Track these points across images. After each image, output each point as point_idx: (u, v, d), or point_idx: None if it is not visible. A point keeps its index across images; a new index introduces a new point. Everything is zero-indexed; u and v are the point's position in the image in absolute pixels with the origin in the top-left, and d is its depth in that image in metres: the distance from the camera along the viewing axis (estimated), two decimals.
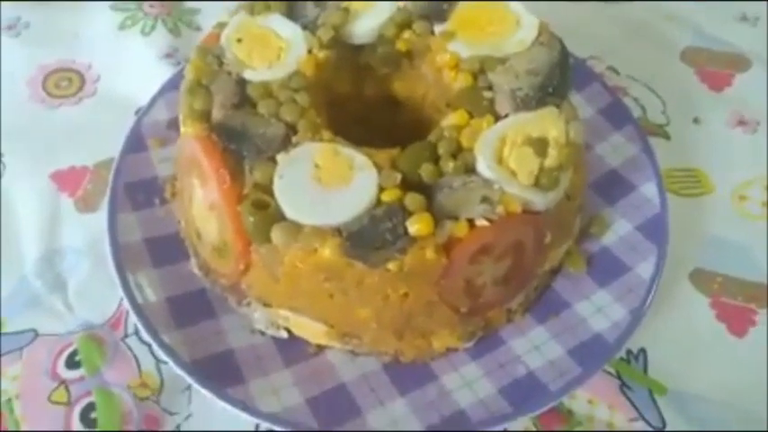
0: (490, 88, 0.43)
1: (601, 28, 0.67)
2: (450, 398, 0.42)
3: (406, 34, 0.47)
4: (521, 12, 0.47)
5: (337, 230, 0.38)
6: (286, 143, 0.41)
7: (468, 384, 0.42)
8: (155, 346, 0.43)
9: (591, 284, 0.46)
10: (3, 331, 0.48)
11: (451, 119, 0.42)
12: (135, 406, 0.44)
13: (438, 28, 0.47)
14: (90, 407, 0.44)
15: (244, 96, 0.43)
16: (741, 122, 0.59)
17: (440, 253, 0.37)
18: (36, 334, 0.48)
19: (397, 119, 0.51)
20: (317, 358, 0.44)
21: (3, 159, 0.57)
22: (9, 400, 0.44)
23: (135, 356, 0.46)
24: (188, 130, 0.42)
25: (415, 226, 0.37)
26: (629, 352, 0.46)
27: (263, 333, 0.44)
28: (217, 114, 0.42)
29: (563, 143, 0.41)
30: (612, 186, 0.51)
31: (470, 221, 0.38)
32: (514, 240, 0.40)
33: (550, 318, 0.45)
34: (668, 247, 0.47)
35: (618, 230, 0.49)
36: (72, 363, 0.46)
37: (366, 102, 0.51)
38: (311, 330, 0.43)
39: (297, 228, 0.38)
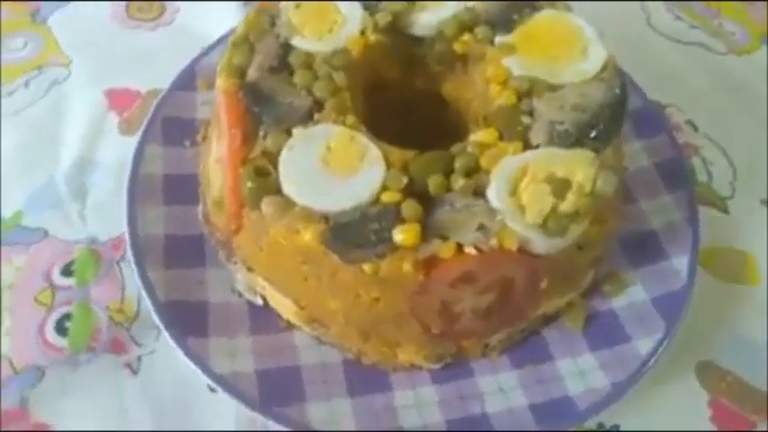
0: (531, 114, 0.41)
1: (695, 76, 0.62)
2: (396, 413, 0.40)
3: (466, 37, 0.45)
4: (592, 40, 0.44)
5: (326, 218, 0.37)
6: (307, 118, 0.41)
7: (418, 406, 0.41)
8: (136, 277, 0.44)
9: (582, 344, 0.44)
10: (19, 223, 0.51)
11: (479, 135, 0.40)
12: (107, 327, 0.46)
13: (500, 38, 0.45)
14: (67, 316, 0.46)
15: (284, 62, 0.43)
16: None
17: (418, 268, 0.36)
18: (46, 234, 0.50)
19: (440, 119, 0.50)
20: (282, 334, 0.43)
21: (71, 67, 0.60)
22: (3, 289, 0.47)
23: (123, 281, 0.47)
24: (220, 82, 0.42)
25: (401, 235, 0.36)
26: (600, 425, 0.43)
27: (240, 295, 0.44)
28: (252, 74, 0.42)
29: (586, 191, 0.38)
30: (643, 248, 0.48)
31: (460, 246, 0.36)
32: (503, 277, 0.38)
33: (527, 365, 0.43)
34: (679, 328, 0.44)
35: (632, 296, 0.46)
36: (67, 270, 0.48)
37: (413, 95, 0.49)
38: (284, 306, 0.43)
39: (288, 204, 0.37)
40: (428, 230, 0.37)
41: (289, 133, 0.40)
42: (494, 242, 0.36)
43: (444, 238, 0.36)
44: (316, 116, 0.41)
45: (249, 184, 0.38)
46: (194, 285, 0.44)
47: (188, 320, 0.43)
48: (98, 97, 0.57)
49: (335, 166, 0.38)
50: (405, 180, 0.38)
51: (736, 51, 0.64)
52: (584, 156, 0.39)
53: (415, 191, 0.38)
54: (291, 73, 0.43)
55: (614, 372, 0.42)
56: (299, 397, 0.41)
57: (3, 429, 0.41)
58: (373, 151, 0.39)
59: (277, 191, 0.38)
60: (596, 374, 0.42)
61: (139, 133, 0.50)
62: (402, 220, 0.37)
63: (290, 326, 0.44)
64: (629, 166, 0.51)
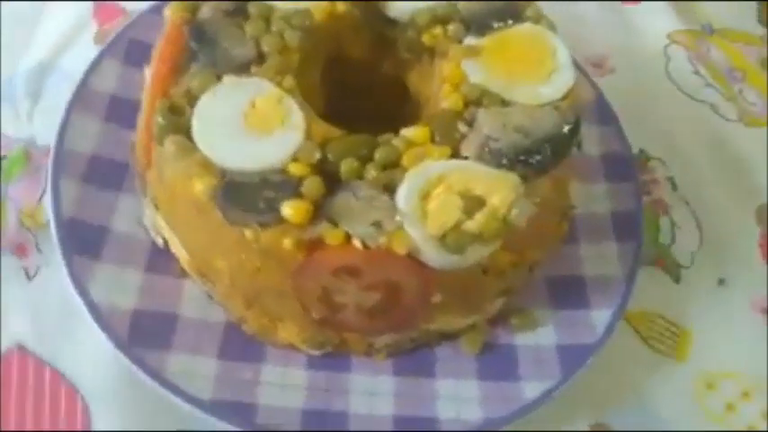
0: (471, 124, 0.39)
1: (694, 136, 0.59)
2: (256, 387, 0.39)
3: (437, 30, 0.43)
4: (563, 65, 0.42)
5: (224, 172, 0.36)
6: (243, 69, 0.39)
7: (282, 386, 0.40)
8: (48, 185, 0.43)
9: (470, 370, 0.42)
10: None
11: (411, 131, 0.38)
12: (14, 227, 0.46)
13: (470, 39, 0.42)
14: None
15: (243, 8, 0.41)
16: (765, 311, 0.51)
17: (299, 248, 0.34)
18: None
19: (402, 108, 0.48)
20: (174, 280, 0.42)
21: None
22: None
23: (43, 189, 0.47)
24: (171, 9, 0.41)
25: (289, 209, 0.34)
26: None
27: (146, 231, 0.44)
28: (205, 11, 0.41)
29: (497, 215, 0.36)
30: (568, 292, 0.45)
31: (349, 236, 0.35)
32: (388, 279, 0.36)
33: (407, 375, 0.41)
34: (582, 385, 0.42)
35: (539, 337, 0.43)
36: None
37: (378, 78, 0.47)
38: (179, 252, 0.42)
39: (190, 149, 0.36)
40: (322, 212, 0.35)
41: (219, 79, 0.38)
42: (382, 241, 0.34)
43: (336, 224, 0.35)
44: (253, 69, 0.39)
45: (160, 119, 0.37)
46: (103, 209, 0.44)
47: (83, 241, 0.42)
48: (85, 4, 0.57)
49: (253, 124, 0.37)
50: (317, 156, 0.37)
51: (747, 121, 0.60)
52: (508, 179, 0.37)
53: (326, 170, 0.37)
54: (246, 20, 0.41)
55: (491, 407, 0.40)
56: (165, 345, 0.40)
57: None
58: (296, 118, 0.38)
59: (186, 133, 0.37)
60: (472, 405, 0.40)
61: (99, 48, 0.49)
62: (299, 195, 0.35)
63: (184, 274, 0.43)
64: (583, 208, 0.49)
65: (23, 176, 0.48)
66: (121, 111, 0.47)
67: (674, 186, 0.56)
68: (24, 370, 0.41)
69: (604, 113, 0.53)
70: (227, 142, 0.36)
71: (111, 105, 0.47)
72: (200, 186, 0.35)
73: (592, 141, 0.52)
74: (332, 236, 0.34)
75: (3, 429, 0.40)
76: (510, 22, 0.43)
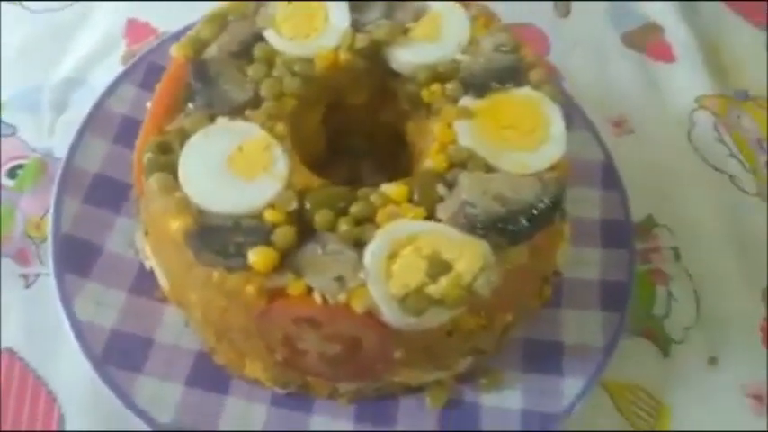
0: (451, 186, 0.39)
1: (706, 206, 0.57)
2: (218, 417, 0.41)
3: (436, 87, 0.43)
4: (555, 136, 0.41)
5: (200, 214, 0.37)
6: (238, 112, 0.41)
7: (243, 418, 0.41)
8: (52, 200, 0.46)
9: (431, 424, 0.42)
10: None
11: (389, 188, 0.39)
12: (20, 236, 0.48)
13: (467, 99, 0.43)
14: None
15: (248, 50, 0.43)
16: (755, 396, 0.49)
17: (261, 294, 0.35)
18: (14, 132, 0.53)
19: (400, 156, 0.48)
20: (155, 304, 0.44)
21: None
22: None
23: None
24: (177, 48, 0.42)
25: (255, 257, 0.35)
26: None
27: (136, 252, 0.46)
28: (210, 51, 0.43)
29: (461, 282, 0.36)
30: (541, 356, 0.45)
31: (310, 288, 0.36)
32: (348, 334, 0.37)
33: (367, 423, 0.42)
34: None
35: (505, 399, 0.43)
36: (13, 173, 0.51)
37: (375, 126, 0.48)
38: (161, 278, 0.43)
39: (172, 188, 0.37)
40: (288, 262, 0.36)
41: (212, 120, 0.40)
42: (341, 297, 0.35)
43: (300, 275, 0.36)
44: (247, 112, 0.41)
45: (148, 156, 0.38)
46: (99, 227, 0.46)
47: (76, 257, 0.44)
48: (119, 23, 0.60)
49: (237, 168, 0.38)
50: (294, 205, 0.37)
51: (766, 196, 0.59)
52: (478, 247, 0.37)
53: (301, 219, 0.38)
54: (250, 63, 0.43)
55: None
56: (137, 368, 0.41)
57: None
58: (279, 166, 0.39)
59: (173, 170, 0.38)
60: None
61: (121, 69, 0.52)
62: (269, 243, 0.36)
63: (165, 299, 0.44)
64: (573, 272, 0.49)
65: (37, 187, 0.50)
66: (131, 133, 0.49)
67: (677, 256, 0.54)
68: (10, 373, 0.44)
69: (610, 178, 0.53)
70: (209, 184, 0.38)
71: (121, 127, 0.50)
72: (176, 225, 0.36)
73: (593, 205, 0.52)
74: (294, 286, 0.35)
75: None
76: (510, 84, 0.43)
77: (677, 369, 0.50)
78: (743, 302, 0.53)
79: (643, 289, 0.52)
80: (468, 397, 0.43)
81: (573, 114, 0.55)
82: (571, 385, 0.44)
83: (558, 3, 0.68)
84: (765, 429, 0.48)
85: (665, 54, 0.66)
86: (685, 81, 0.64)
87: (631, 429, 0.47)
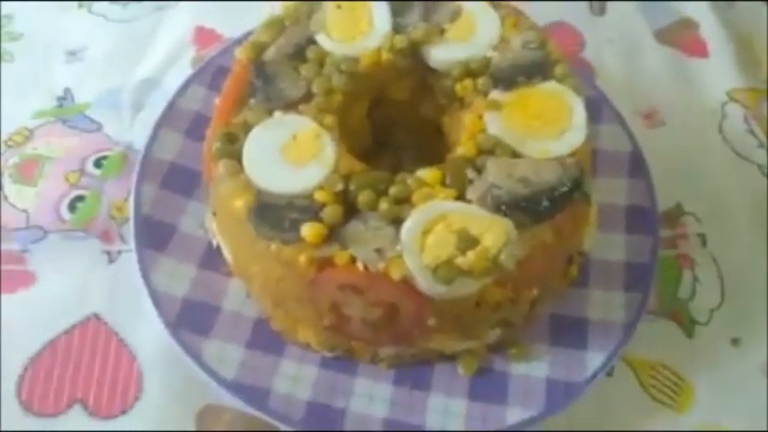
0: (480, 171, 0.44)
1: (735, 195, 0.60)
2: (272, 377, 0.46)
3: (468, 81, 0.48)
4: (577, 125, 0.45)
5: (260, 194, 0.43)
6: (293, 106, 0.46)
7: (294, 379, 0.46)
8: (133, 187, 0.52)
9: (463, 389, 0.47)
10: (84, 111, 0.61)
11: (424, 173, 0.44)
12: (104, 218, 0.55)
13: (496, 92, 0.47)
14: (80, 198, 0.56)
15: (301, 52, 0.48)
16: None
17: (311, 264, 0.41)
18: (100, 128, 0.60)
19: (438, 146, 0.53)
20: (221, 277, 0.50)
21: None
22: (48, 158, 0.58)
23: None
24: (240, 51, 0.48)
25: (306, 231, 0.41)
26: None
27: (206, 232, 0.52)
28: (269, 53, 0.48)
29: (488, 256, 0.40)
30: (567, 331, 0.49)
31: (354, 258, 0.41)
32: (387, 300, 0.42)
33: (404, 386, 0.47)
34: (565, 421, 0.45)
35: (532, 369, 0.47)
36: (98, 163, 0.58)
37: (417, 119, 0.53)
38: (226, 253, 0.49)
39: (237, 171, 0.43)
40: (335, 236, 0.41)
41: (271, 113, 0.46)
42: (381, 266, 0.40)
43: (345, 247, 0.41)
44: (300, 107, 0.46)
45: (217, 145, 0.44)
46: (174, 210, 0.52)
47: (154, 236, 0.50)
48: (188, 30, 0.66)
49: (291, 154, 0.44)
50: (340, 186, 0.43)
51: None
52: (502, 224, 0.41)
53: (347, 199, 0.43)
54: (303, 62, 0.48)
55: (474, 425, 0.45)
56: (205, 332, 0.47)
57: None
58: (328, 152, 0.44)
59: (238, 157, 0.44)
60: (458, 421, 0.45)
61: (191, 71, 0.58)
62: (319, 219, 0.41)
63: (230, 273, 0.50)
64: (599, 254, 0.52)
65: (120, 175, 0.57)
66: (201, 128, 0.55)
67: (704, 243, 0.57)
68: (97, 336, 0.50)
69: (637, 167, 0.56)
70: (268, 168, 0.43)
71: (192, 122, 0.56)
72: (240, 203, 0.42)
73: (620, 193, 0.55)
74: (340, 257, 0.41)
75: (72, 385, 0.48)
76: (538, 78, 0.47)
77: (701, 349, 0.52)
78: (766, 286, 0.55)
79: (669, 273, 0.55)
80: (497, 366, 0.48)
81: (603, 108, 0.58)
82: (594, 358, 0.47)
83: (594, 2, 0.71)
84: None
85: (699, 49, 0.69)
86: (717, 75, 0.67)
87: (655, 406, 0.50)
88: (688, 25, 0.70)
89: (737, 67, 0.67)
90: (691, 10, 0.71)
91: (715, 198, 0.59)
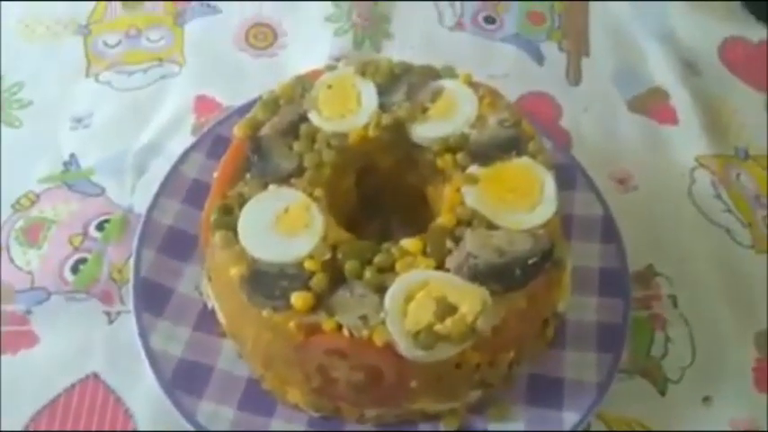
0: (458, 241, 0.47)
1: (704, 258, 0.63)
2: None
3: (447, 157, 0.52)
4: (548, 198, 0.49)
5: (254, 262, 0.46)
6: (286, 179, 0.50)
7: None
8: (133, 250, 0.55)
9: None
10: (89, 177, 0.64)
11: (406, 243, 0.47)
12: (105, 279, 0.58)
13: (474, 167, 0.51)
14: (83, 260, 0.59)
15: (295, 129, 0.52)
16: None
17: (299, 329, 0.44)
18: (102, 192, 0.63)
19: (424, 214, 0.56)
20: (215, 338, 0.53)
21: (183, 68, 0.72)
22: (53, 221, 0.61)
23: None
24: (238, 128, 0.52)
25: (296, 299, 0.44)
26: None
27: (200, 295, 0.55)
28: (265, 130, 0.52)
29: (465, 322, 0.43)
30: (544, 391, 0.52)
31: (340, 325, 0.44)
32: (371, 364, 0.44)
33: None
34: None
35: (511, 428, 0.50)
36: (101, 226, 0.61)
37: (403, 187, 0.57)
38: (220, 316, 0.52)
39: (233, 242, 0.46)
40: (323, 304, 0.44)
41: (266, 187, 0.49)
42: (365, 333, 0.43)
43: (332, 314, 0.44)
44: (293, 180, 0.50)
45: (214, 216, 0.48)
46: (171, 273, 0.55)
47: (151, 299, 0.53)
48: (190, 98, 0.70)
49: (283, 226, 0.47)
50: (328, 255, 0.46)
51: (760, 249, 0.64)
52: (478, 292, 0.44)
53: (334, 267, 0.46)
54: (296, 139, 0.52)
55: None
56: (199, 393, 0.50)
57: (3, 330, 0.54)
58: (317, 223, 0.47)
59: (233, 228, 0.47)
60: None
61: (191, 139, 0.62)
62: (307, 288, 0.45)
63: (223, 334, 0.53)
64: (574, 316, 0.55)
65: (120, 238, 0.60)
66: (199, 194, 0.58)
67: (675, 303, 0.60)
68: (95, 395, 0.53)
69: (608, 231, 0.59)
70: (261, 239, 0.47)
71: (191, 189, 0.59)
72: (234, 272, 0.45)
73: (593, 256, 0.58)
74: (327, 323, 0.44)
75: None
76: (514, 153, 0.51)
77: (673, 406, 0.55)
78: (735, 346, 0.58)
79: (642, 332, 0.58)
80: (477, 425, 0.50)
81: (577, 175, 0.62)
82: (569, 417, 0.50)
83: (570, 71, 0.76)
84: None
85: (669, 117, 0.73)
86: (687, 141, 0.70)
87: None
88: (659, 94, 0.75)
89: (706, 135, 0.71)
90: (661, 80, 0.76)
91: (685, 261, 0.63)
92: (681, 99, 0.74)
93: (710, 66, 0.78)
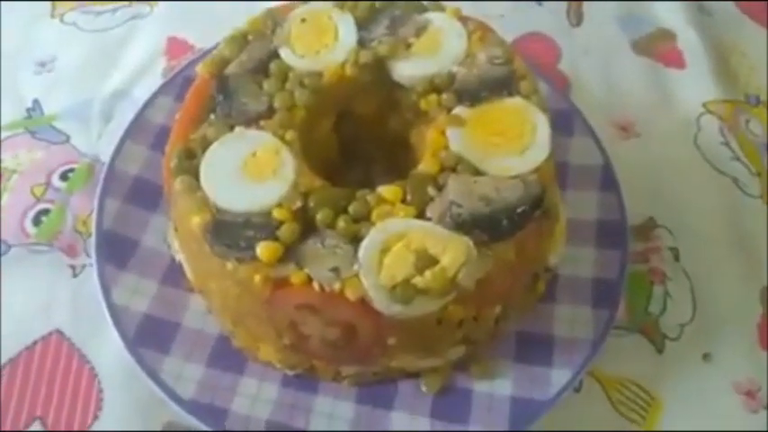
0: (441, 188, 0.43)
1: (710, 208, 0.59)
2: (232, 396, 0.46)
3: (431, 97, 0.47)
4: (540, 142, 0.45)
5: (217, 211, 0.42)
6: (253, 121, 0.46)
7: (254, 398, 0.46)
8: (96, 200, 0.52)
9: (425, 408, 0.46)
10: (52, 123, 0.61)
11: (384, 190, 0.43)
12: (69, 232, 0.54)
13: (460, 108, 0.46)
14: (45, 212, 0.55)
15: (264, 67, 0.48)
16: (747, 393, 0.51)
17: (266, 283, 0.40)
18: (67, 139, 0.60)
19: (406, 159, 0.52)
20: (183, 293, 0.49)
21: (155, 8, 0.68)
22: (14, 170, 0.57)
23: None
24: (202, 66, 0.48)
25: (262, 250, 0.40)
26: None
27: (168, 247, 0.51)
28: (232, 68, 0.48)
29: (446, 275, 0.40)
30: (533, 348, 0.48)
31: (310, 278, 0.40)
32: (344, 320, 0.41)
33: (366, 404, 0.46)
34: None
35: (496, 387, 0.47)
36: (64, 176, 0.57)
37: (386, 132, 0.53)
38: (187, 269, 0.49)
39: (195, 188, 0.43)
40: (291, 255, 0.41)
41: (231, 129, 0.45)
42: (337, 286, 0.39)
43: (302, 267, 0.40)
44: (262, 122, 0.46)
45: (174, 161, 0.44)
46: (136, 225, 0.52)
47: (115, 251, 0.50)
48: (160, 41, 0.66)
49: (250, 171, 0.43)
50: (298, 204, 0.42)
51: None
52: (460, 243, 0.40)
53: (305, 217, 0.42)
54: (266, 77, 0.48)
55: None
56: (165, 349, 0.47)
57: None
58: (287, 169, 0.43)
59: (196, 174, 0.43)
60: None
61: (159, 83, 0.58)
62: (275, 238, 0.41)
63: (191, 288, 0.50)
64: (567, 270, 0.52)
65: (86, 188, 0.56)
66: (167, 141, 0.55)
67: (677, 257, 0.57)
68: (58, 352, 0.50)
69: (607, 180, 0.55)
70: (226, 185, 0.43)
71: (159, 135, 0.55)
72: (196, 220, 0.42)
73: (590, 207, 0.54)
74: (296, 276, 0.40)
75: (32, 401, 0.48)
76: (505, 92, 0.47)
77: (671, 365, 0.52)
78: (740, 301, 0.55)
79: (640, 287, 0.55)
80: (461, 383, 0.47)
81: (575, 121, 0.58)
82: (559, 375, 0.47)
83: (571, 11, 0.71)
84: (757, 427, 0.50)
85: (675, 60, 0.68)
86: (694, 86, 0.66)
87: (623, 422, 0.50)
88: (665, 36, 0.70)
89: (714, 79, 0.66)
90: (668, 21, 0.71)
91: (688, 212, 0.59)
92: (688, 41, 0.69)
93: (721, 5, 0.73)
